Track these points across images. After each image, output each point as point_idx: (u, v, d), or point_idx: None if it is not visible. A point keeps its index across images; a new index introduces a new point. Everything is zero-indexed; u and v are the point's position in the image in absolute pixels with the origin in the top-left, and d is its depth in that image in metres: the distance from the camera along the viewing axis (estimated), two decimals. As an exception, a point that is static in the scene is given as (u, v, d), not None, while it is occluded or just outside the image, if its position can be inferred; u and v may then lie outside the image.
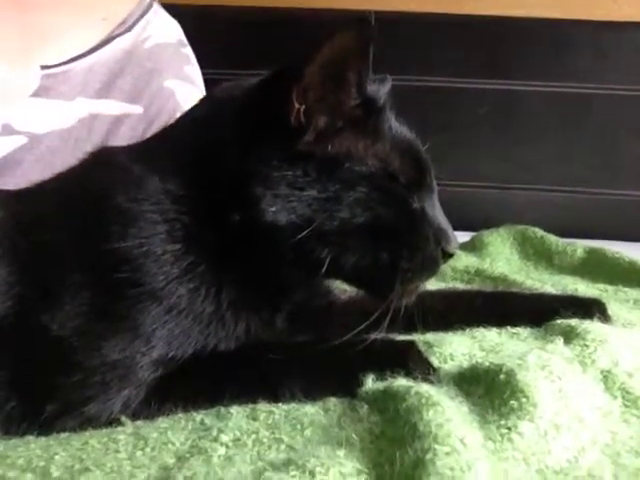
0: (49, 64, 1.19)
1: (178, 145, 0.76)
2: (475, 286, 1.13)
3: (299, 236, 0.68)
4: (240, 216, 0.69)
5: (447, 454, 0.47)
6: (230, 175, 0.70)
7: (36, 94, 1.17)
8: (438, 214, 0.77)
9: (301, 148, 0.70)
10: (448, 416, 0.52)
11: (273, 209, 0.69)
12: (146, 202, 0.71)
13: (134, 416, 0.65)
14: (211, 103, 0.80)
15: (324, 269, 0.71)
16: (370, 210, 0.70)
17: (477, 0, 1.53)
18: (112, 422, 0.65)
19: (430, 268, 0.75)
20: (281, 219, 0.69)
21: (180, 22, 1.33)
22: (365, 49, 0.69)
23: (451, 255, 0.77)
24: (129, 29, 1.28)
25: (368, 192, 0.70)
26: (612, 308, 0.86)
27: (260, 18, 1.60)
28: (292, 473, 0.48)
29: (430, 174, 0.77)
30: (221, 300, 0.71)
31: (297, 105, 0.69)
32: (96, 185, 0.74)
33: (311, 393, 0.65)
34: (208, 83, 1.46)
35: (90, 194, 0.74)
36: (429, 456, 0.47)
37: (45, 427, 0.65)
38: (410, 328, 0.79)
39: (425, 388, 0.58)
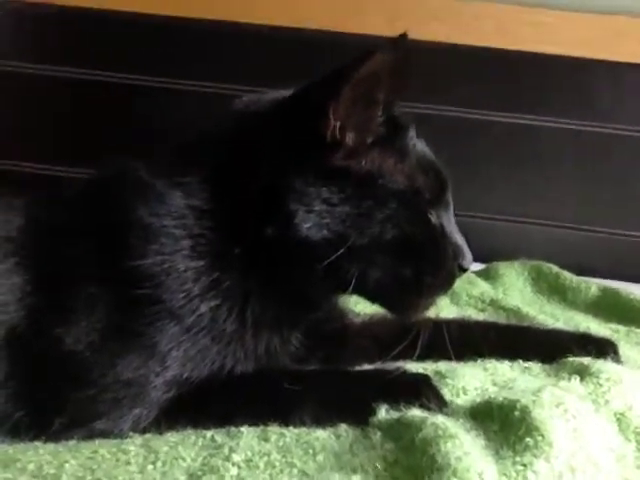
0: None
1: (202, 159, 0.75)
2: (488, 315, 1.13)
3: (334, 254, 0.69)
4: (273, 231, 0.69)
5: (466, 488, 0.47)
6: (263, 190, 0.71)
7: None
8: (454, 230, 0.78)
9: (337, 164, 0.70)
10: (466, 449, 0.52)
11: (307, 225, 0.69)
12: (169, 217, 0.70)
13: (143, 433, 0.65)
14: (236, 117, 0.79)
15: (352, 285, 0.71)
16: (398, 226, 0.71)
17: (499, 34, 1.54)
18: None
19: (449, 282, 0.77)
20: (314, 235, 0.69)
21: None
22: (399, 70, 0.70)
23: (466, 270, 0.78)
24: None
25: (397, 208, 0.71)
26: (623, 349, 0.86)
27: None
28: (308, 499, 0.48)
29: (449, 191, 0.79)
30: (245, 317, 0.71)
31: (333, 122, 0.69)
32: (117, 200, 0.74)
33: (322, 421, 0.64)
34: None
35: (111, 209, 0.73)
36: (447, 490, 0.47)
37: (52, 438, 0.64)
38: (423, 356, 0.79)
39: (441, 419, 0.58)
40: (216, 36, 1.56)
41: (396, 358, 0.76)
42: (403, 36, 0.68)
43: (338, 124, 0.70)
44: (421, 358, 0.79)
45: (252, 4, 1.57)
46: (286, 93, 0.76)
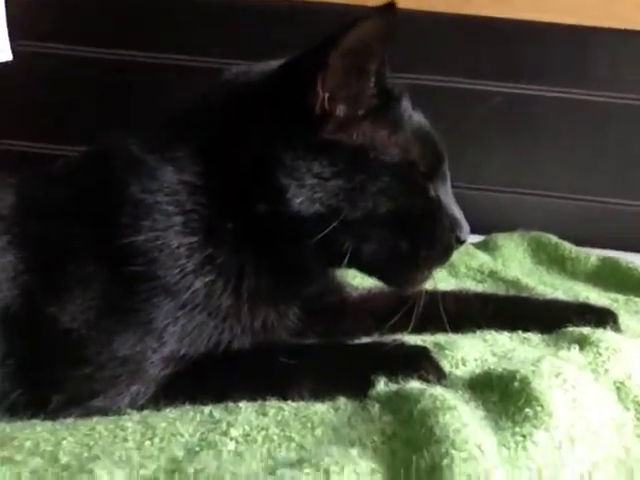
0: None
1: (193, 133, 0.74)
2: (487, 287, 1.13)
3: (327, 228, 0.68)
4: (265, 206, 0.69)
5: (464, 460, 0.47)
6: (253, 164, 0.70)
7: None
8: (451, 202, 0.77)
9: (326, 137, 0.69)
10: (465, 421, 0.51)
11: (299, 199, 0.68)
12: (161, 193, 0.69)
13: (140, 410, 0.64)
14: (224, 89, 0.78)
15: (347, 259, 0.70)
16: (392, 200, 0.70)
17: (496, 3, 1.53)
18: (118, 412, 0.65)
19: (446, 255, 0.76)
20: (307, 209, 0.68)
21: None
22: (388, 37, 0.68)
23: (463, 242, 0.77)
24: None
25: (391, 181, 0.70)
26: (622, 318, 0.86)
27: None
28: (306, 471, 0.48)
29: (445, 162, 0.78)
30: (241, 292, 0.70)
31: (321, 93, 0.68)
32: (109, 176, 0.72)
33: (320, 395, 0.64)
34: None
35: (103, 185, 0.72)
36: (446, 462, 0.47)
37: (50, 416, 0.64)
38: (420, 328, 0.79)
39: (440, 391, 0.57)
40: (233, 12, 1.55)
41: (392, 330, 0.76)
42: (391, 4, 0.66)
43: (327, 95, 0.68)
44: (418, 330, 0.78)
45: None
46: (276, 64, 0.75)
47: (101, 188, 0.72)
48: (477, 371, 0.67)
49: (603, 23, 1.53)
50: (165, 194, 0.70)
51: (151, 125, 0.79)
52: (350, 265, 0.74)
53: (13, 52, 1.41)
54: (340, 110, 0.70)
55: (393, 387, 0.61)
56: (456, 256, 0.91)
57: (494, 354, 0.73)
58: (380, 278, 0.78)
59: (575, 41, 1.55)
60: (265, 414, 0.60)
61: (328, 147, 0.69)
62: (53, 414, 0.64)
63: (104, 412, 0.64)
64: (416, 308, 0.75)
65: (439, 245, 0.74)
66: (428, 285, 0.79)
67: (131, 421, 0.60)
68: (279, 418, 0.60)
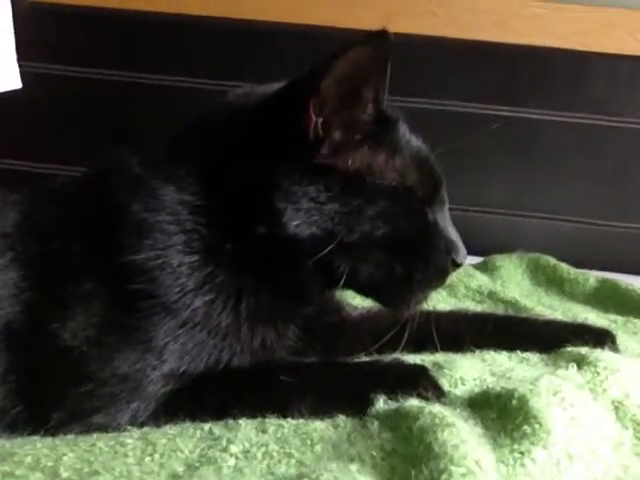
0: None
1: (194, 154, 0.75)
2: (486, 307, 1.13)
3: (323, 251, 0.69)
4: (263, 228, 0.69)
5: (463, 476, 0.47)
6: (250, 187, 0.70)
7: None
8: (448, 225, 0.78)
9: (320, 161, 0.70)
10: (463, 437, 0.52)
11: (295, 223, 0.69)
12: (162, 212, 0.70)
13: (141, 427, 0.65)
14: (225, 111, 0.78)
15: (343, 281, 0.71)
16: (389, 223, 0.71)
17: (496, 28, 1.55)
18: (118, 428, 0.65)
19: (441, 278, 0.77)
20: (303, 232, 0.69)
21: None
22: (382, 64, 0.69)
23: (460, 265, 0.78)
24: None
25: (388, 206, 0.71)
26: (621, 339, 0.86)
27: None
28: (306, 485, 0.48)
29: (443, 187, 0.78)
30: (240, 311, 0.70)
31: (314, 118, 0.69)
32: (111, 195, 0.73)
33: (320, 413, 0.64)
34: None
35: (105, 204, 0.73)
36: (444, 477, 0.47)
37: (50, 432, 0.64)
38: (418, 347, 0.80)
39: (438, 408, 0.58)
40: (239, 34, 1.56)
41: (387, 349, 0.76)
42: (383, 30, 0.66)
43: (320, 120, 0.69)
44: (417, 350, 0.79)
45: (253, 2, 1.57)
46: (278, 86, 0.75)
47: (103, 206, 0.73)
48: (476, 390, 0.67)
49: (598, 48, 1.55)
50: (166, 213, 0.70)
51: (153, 144, 0.80)
52: (346, 286, 0.75)
53: (16, 73, 1.42)
54: (335, 135, 0.70)
55: (392, 405, 0.61)
56: (455, 277, 0.92)
57: (493, 373, 0.74)
58: (376, 300, 0.78)
59: (574, 66, 1.56)
60: (265, 431, 0.60)
61: (324, 171, 0.70)
62: (53, 430, 0.64)
63: (104, 428, 0.64)
64: (408, 327, 0.76)
65: (434, 268, 0.75)
66: (425, 307, 0.79)
67: (131, 437, 0.60)
68: (279, 435, 0.60)
